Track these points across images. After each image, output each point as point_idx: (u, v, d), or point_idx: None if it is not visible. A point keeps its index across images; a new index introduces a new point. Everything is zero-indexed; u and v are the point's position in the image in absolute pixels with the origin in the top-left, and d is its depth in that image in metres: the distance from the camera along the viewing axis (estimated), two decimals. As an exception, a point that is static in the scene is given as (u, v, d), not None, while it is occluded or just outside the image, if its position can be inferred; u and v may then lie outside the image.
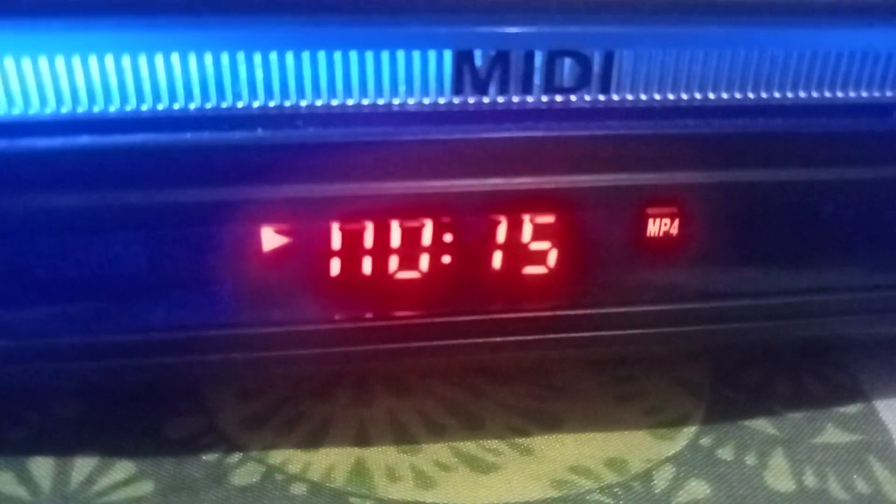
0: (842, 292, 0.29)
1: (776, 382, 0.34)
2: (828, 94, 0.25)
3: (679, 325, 0.29)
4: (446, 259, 0.26)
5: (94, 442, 0.30)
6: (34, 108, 0.22)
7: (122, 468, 0.29)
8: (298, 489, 0.29)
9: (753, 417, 0.32)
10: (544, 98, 0.24)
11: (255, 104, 0.23)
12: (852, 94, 0.26)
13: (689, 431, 0.32)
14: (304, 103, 0.23)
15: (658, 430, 0.32)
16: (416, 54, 0.23)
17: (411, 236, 0.26)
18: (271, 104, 0.23)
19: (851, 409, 0.33)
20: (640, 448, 0.31)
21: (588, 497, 0.29)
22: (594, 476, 0.30)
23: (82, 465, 0.29)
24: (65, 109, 0.22)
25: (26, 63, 0.22)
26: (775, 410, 0.33)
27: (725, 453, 0.31)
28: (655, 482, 0.29)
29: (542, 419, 0.32)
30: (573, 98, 0.24)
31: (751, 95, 0.25)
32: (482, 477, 0.29)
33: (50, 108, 0.22)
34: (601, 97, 0.24)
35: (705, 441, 0.31)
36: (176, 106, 0.23)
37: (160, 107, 0.23)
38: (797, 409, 0.33)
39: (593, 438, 0.31)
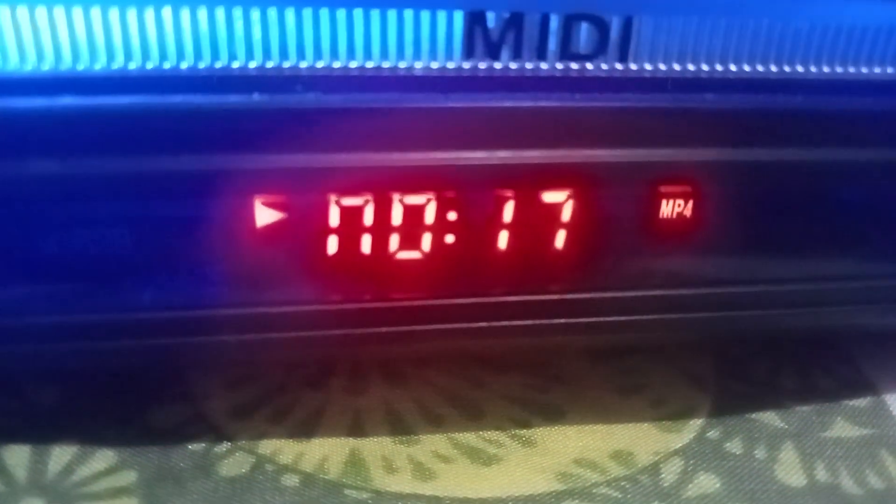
0: (859, 280, 0.28)
1: (783, 375, 0.34)
2: (852, 70, 0.25)
3: (691, 312, 0.28)
4: (450, 238, 0.25)
5: (74, 429, 0.29)
6: (12, 65, 0.21)
7: (103, 457, 0.28)
8: (290, 480, 0.28)
9: (761, 410, 0.32)
10: (559, 65, 0.23)
11: (252, 65, 0.22)
12: (878, 70, 0.25)
13: (696, 424, 0.31)
14: (304, 65, 0.22)
15: (664, 422, 0.31)
16: (425, 14, 0.22)
17: (414, 213, 0.25)
18: (269, 66, 0.22)
19: (861, 402, 0.33)
20: (646, 440, 0.30)
21: (595, 490, 0.28)
22: (600, 469, 0.29)
23: (60, 454, 0.28)
24: (46, 67, 0.21)
25: (4, 14, 0.21)
26: (783, 403, 0.32)
27: (734, 447, 0.30)
28: (664, 476, 0.29)
29: (544, 410, 0.31)
30: (589, 66, 0.23)
31: (773, 69, 0.24)
32: (483, 469, 0.29)
33: (30, 65, 0.21)
34: (618, 66, 0.24)
35: (713, 434, 0.31)
36: (166, 65, 0.22)
37: (149, 65, 0.22)
38: (805, 403, 0.33)
39: (597, 430, 0.31)
